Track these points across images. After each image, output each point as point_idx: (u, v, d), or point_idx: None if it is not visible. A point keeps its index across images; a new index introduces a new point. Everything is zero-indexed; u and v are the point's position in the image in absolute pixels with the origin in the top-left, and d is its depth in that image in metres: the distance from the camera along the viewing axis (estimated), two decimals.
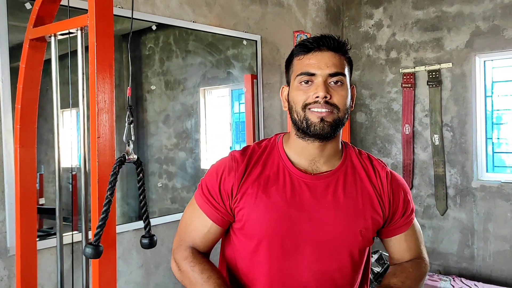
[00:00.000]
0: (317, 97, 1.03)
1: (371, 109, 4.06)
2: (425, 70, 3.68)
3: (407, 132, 3.80)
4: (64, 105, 1.77)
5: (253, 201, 1.06)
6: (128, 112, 1.40)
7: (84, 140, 1.60)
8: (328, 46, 1.06)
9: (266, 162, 1.11)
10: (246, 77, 3.32)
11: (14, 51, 2.14)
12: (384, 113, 3.98)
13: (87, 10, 1.39)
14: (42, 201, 2.29)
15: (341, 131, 1.11)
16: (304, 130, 1.06)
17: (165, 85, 2.99)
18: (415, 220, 1.20)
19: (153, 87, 2.91)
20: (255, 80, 3.33)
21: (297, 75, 1.06)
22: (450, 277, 3.08)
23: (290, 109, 1.10)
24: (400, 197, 1.15)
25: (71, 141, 2.45)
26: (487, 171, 3.54)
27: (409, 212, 1.17)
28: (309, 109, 1.04)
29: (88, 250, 1.30)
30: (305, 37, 3.73)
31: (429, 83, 3.66)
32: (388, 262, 3.19)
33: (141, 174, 1.41)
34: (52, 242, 2.19)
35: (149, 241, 1.44)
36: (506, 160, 3.55)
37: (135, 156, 1.40)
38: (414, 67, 3.75)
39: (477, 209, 3.48)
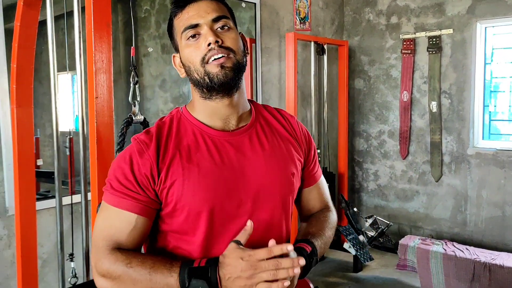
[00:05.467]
0: (209, 44, 0.99)
1: (370, 75, 4.03)
2: (426, 36, 3.64)
3: (405, 99, 3.79)
4: (60, 68, 1.74)
5: (181, 174, 0.99)
6: (132, 73, 1.39)
7: (82, 102, 1.59)
8: None
9: (178, 133, 1.05)
10: None
11: (8, 12, 2.09)
12: (382, 80, 3.96)
13: None
14: (39, 162, 2.29)
15: (244, 82, 1.07)
16: (208, 86, 1.02)
17: (162, 49, 2.94)
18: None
19: (150, 49, 2.87)
20: (253, 45, 3.28)
21: (182, 32, 1.02)
22: (442, 241, 3.14)
23: (188, 72, 1.05)
24: (310, 139, 1.21)
25: (67, 104, 2.43)
26: (483, 138, 3.56)
27: (317, 158, 1.23)
28: (207, 62, 1.00)
29: None
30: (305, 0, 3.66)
31: (429, 50, 3.63)
32: (382, 227, 3.25)
33: None
34: (51, 203, 2.21)
35: None
36: (502, 128, 3.57)
37: (142, 117, 1.39)
38: (415, 33, 3.71)
39: (471, 176, 3.52)
